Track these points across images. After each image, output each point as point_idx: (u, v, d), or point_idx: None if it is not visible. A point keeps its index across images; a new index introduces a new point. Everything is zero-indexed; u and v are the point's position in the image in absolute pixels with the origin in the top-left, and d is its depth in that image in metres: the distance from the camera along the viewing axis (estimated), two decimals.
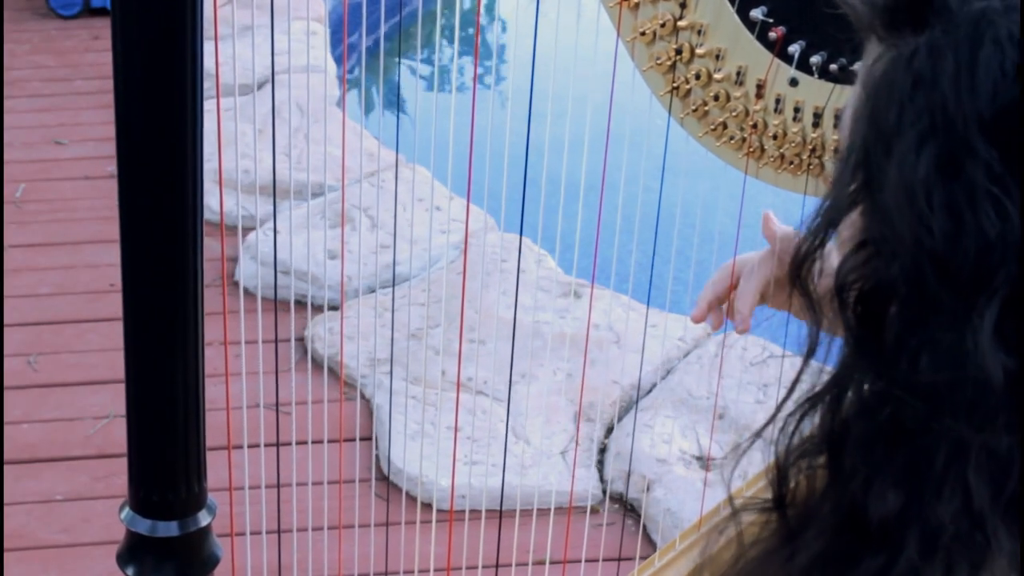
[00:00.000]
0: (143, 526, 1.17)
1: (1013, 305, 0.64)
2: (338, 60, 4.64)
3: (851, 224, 0.70)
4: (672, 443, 2.94)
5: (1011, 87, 0.63)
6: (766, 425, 0.75)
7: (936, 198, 0.64)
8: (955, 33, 0.65)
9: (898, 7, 0.68)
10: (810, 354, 0.73)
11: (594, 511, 2.74)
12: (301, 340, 3.24)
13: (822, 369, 0.72)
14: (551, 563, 2.38)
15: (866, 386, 0.69)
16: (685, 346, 3.28)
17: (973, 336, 0.64)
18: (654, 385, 3.15)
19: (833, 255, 0.72)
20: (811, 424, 0.72)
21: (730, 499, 0.77)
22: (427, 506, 2.71)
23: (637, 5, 1.17)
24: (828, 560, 0.70)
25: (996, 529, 0.66)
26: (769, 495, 0.75)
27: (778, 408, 0.74)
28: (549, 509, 2.61)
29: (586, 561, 2.32)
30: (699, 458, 2.93)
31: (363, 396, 3.09)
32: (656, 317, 3.03)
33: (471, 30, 3.83)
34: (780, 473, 0.73)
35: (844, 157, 0.70)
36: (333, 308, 3.35)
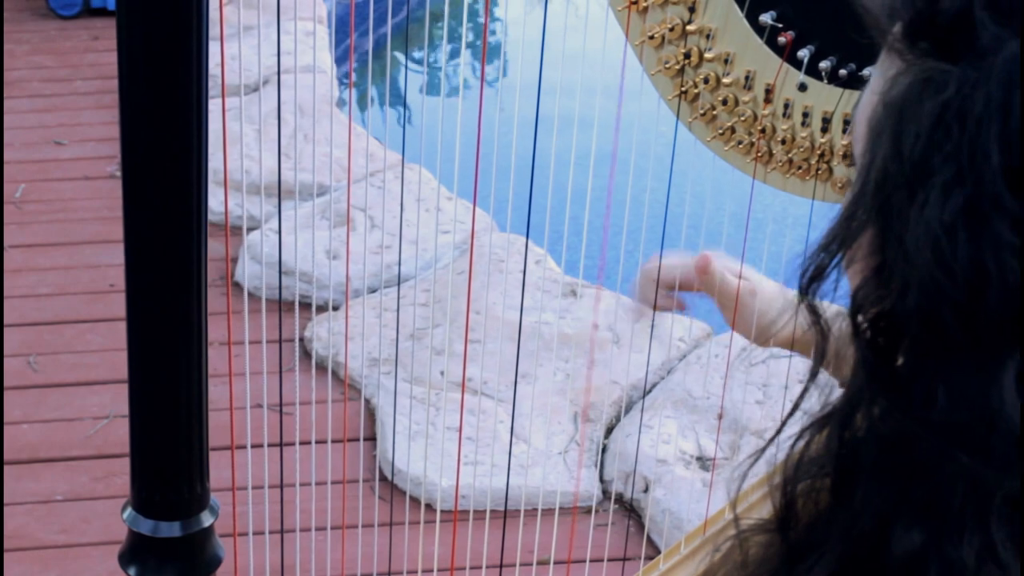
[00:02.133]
0: (145, 526, 1.17)
1: None
2: (338, 60, 4.64)
3: (865, 243, 0.68)
4: (672, 443, 2.94)
5: None
6: (769, 443, 0.75)
7: (960, 247, 0.63)
8: (987, 72, 0.63)
9: (924, 28, 0.66)
10: (814, 374, 0.72)
11: (593, 511, 2.75)
12: (301, 341, 3.24)
13: (826, 388, 0.72)
14: (544, 563, 2.38)
15: (876, 411, 0.68)
16: (685, 346, 3.29)
17: (997, 387, 0.63)
18: (654, 385, 3.15)
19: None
20: (816, 445, 0.71)
21: (736, 520, 0.76)
22: (427, 506, 2.71)
23: (646, 9, 1.17)
24: None
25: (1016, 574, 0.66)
26: (767, 511, 0.74)
27: (781, 426, 0.73)
28: (549, 510, 2.61)
29: (586, 561, 2.33)
30: (699, 458, 2.93)
31: (363, 396, 3.09)
32: (656, 317, 3.03)
33: (472, 28, 3.83)
34: (784, 495, 0.72)
35: (862, 172, 0.68)
36: (333, 308, 3.35)
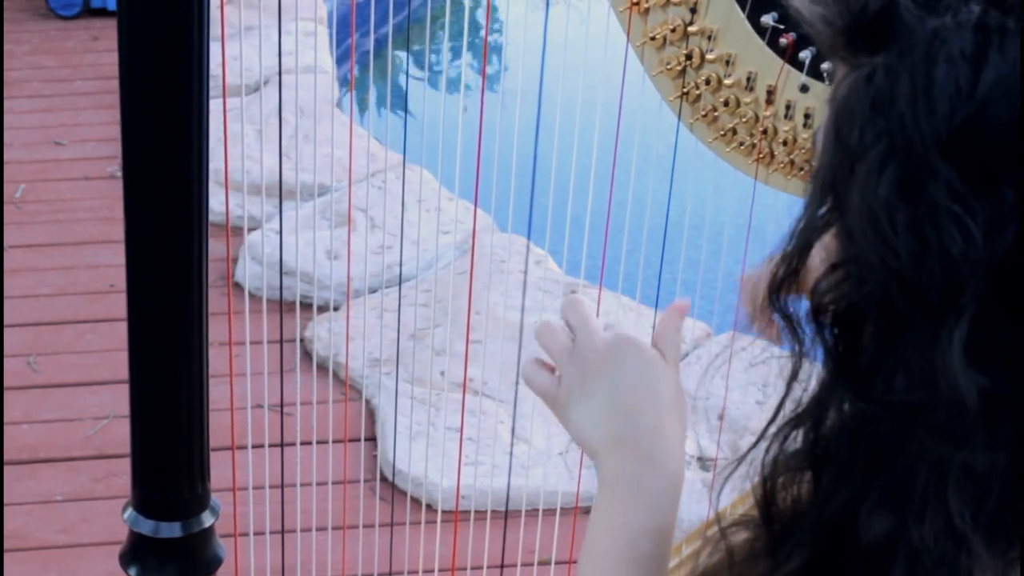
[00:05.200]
0: (146, 527, 1.17)
1: (982, 323, 0.64)
2: (338, 61, 4.64)
3: (824, 247, 0.70)
4: None
5: (967, 105, 0.63)
6: (754, 446, 0.75)
7: (899, 219, 0.64)
8: (910, 53, 0.65)
9: (856, 29, 0.69)
10: (794, 376, 0.72)
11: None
12: (301, 341, 3.24)
13: (807, 387, 0.72)
14: (545, 563, 2.38)
15: (846, 406, 0.69)
16: (685, 347, 3.28)
17: (943, 356, 0.64)
18: None
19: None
20: (793, 441, 0.72)
21: (718, 518, 0.77)
22: (427, 507, 2.71)
23: (647, 10, 1.17)
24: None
25: (977, 549, 0.66)
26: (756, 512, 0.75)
27: (765, 428, 0.74)
28: (550, 510, 2.61)
29: None
30: (699, 458, 2.93)
31: (364, 397, 3.09)
32: (656, 318, 3.03)
33: (473, 28, 3.83)
34: (766, 490, 0.74)
35: (814, 179, 0.71)
36: (334, 308, 3.35)
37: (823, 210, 0.69)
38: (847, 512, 0.68)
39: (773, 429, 0.73)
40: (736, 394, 3.07)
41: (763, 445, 0.74)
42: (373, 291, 3.44)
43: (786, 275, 0.71)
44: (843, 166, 0.67)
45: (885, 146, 0.65)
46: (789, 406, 0.72)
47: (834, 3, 0.70)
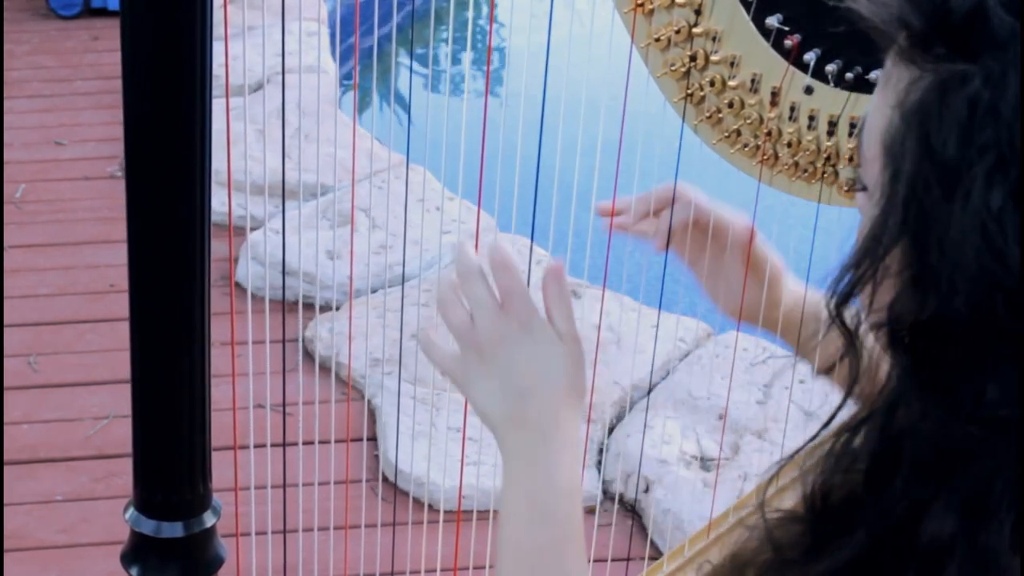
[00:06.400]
0: (148, 527, 1.17)
1: None
2: (339, 60, 4.63)
3: (895, 259, 0.69)
4: (672, 443, 2.94)
5: None
6: (807, 444, 0.76)
7: (1010, 230, 0.64)
8: (1012, 62, 0.64)
9: (938, 32, 0.67)
10: (852, 385, 0.73)
11: (596, 512, 2.74)
12: (302, 340, 3.24)
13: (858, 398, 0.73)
14: None
15: (917, 411, 0.69)
16: (685, 346, 3.28)
17: None
18: (654, 385, 3.15)
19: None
20: (850, 442, 0.73)
21: (762, 507, 0.77)
22: (428, 507, 2.71)
23: (652, 11, 1.16)
24: (856, 570, 0.70)
25: None
26: (791, 505, 0.75)
27: (824, 427, 0.75)
28: None
29: (589, 561, 2.32)
30: (699, 458, 2.93)
31: (364, 397, 3.09)
32: (656, 317, 3.03)
33: (474, 30, 3.83)
34: (822, 485, 0.74)
35: (887, 187, 0.68)
36: (334, 308, 3.35)
37: (899, 220, 0.67)
38: (911, 511, 0.68)
39: (832, 427, 0.74)
40: (736, 394, 3.07)
41: (822, 443, 0.75)
42: (374, 291, 3.44)
43: (853, 286, 0.70)
44: (936, 177, 0.65)
45: (993, 157, 0.64)
46: (844, 413, 0.73)
47: (908, 4, 0.68)
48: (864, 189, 0.74)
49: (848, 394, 0.74)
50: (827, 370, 1.20)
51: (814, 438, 0.76)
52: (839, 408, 0.74)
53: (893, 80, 0.70)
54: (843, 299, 0.71)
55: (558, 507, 0.95)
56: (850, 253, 0.71)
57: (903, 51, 0.69)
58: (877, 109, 0.71)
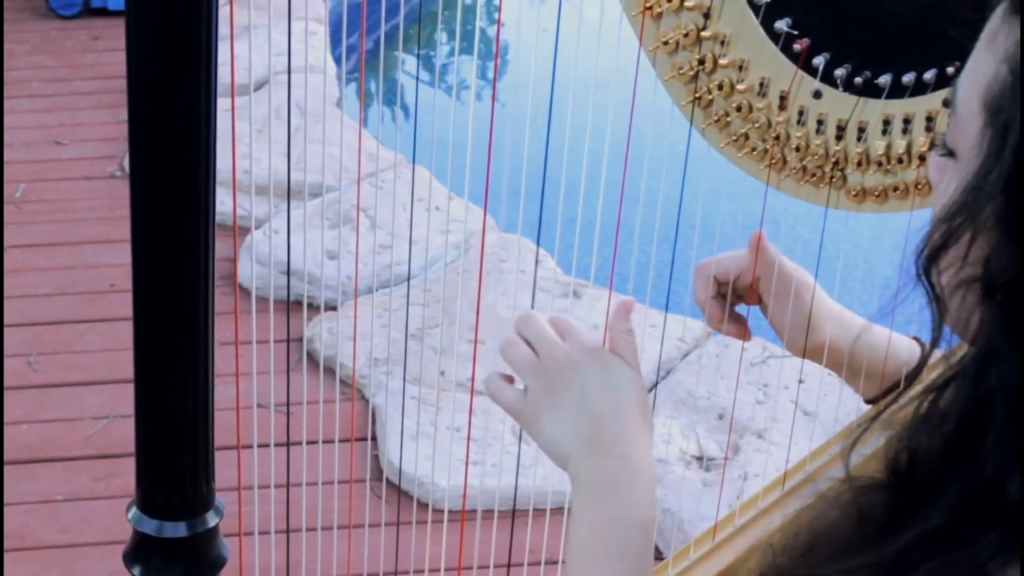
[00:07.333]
0: (150, 526, 1.17)
1: None
2: (337, 60, 4.63)
3: (988, 212, 0.68)
4: (672, 443, 2.94)
5: None
6: (887, 407, 0.76)
7: None
8: None
9: None
10: (934, 345, 0.72)
11: None
12: (303, 341, 3.25)
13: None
14: (550, 563, 2.38)
15: (1007, 369, 0.68)
16: (685, 346, 3.29)
17: None
18: (654, 385, 3.15)
19: None
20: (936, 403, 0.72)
21: (848, 473, 0.76)
22: (430, 506, 2.71)
23: (660, 15, 1.16)
24: (939, 536, 0.70)
25: None
26: (870, 473, 0.74)
27: (901, 391, 0.73)
28: (556, 509, 2.61)
29: None
30: (699, 458, 2.93)
31: (363, 396, 3.09)
32: (656, 317, 3.03)
33: (472, 28, 3.83)
34: (908, 448, 0.73)
35: (993, 142, 0.68)
36: (334, 308, 3.35)
37: (1006, 173, 0.67)
38: (999, 472, 0.68)
39: (918, 389, 0.73)
40: (736, 394, 3.08)
41: (903, 404, 0.74)
42: (373, 291, 3.44)
43: (947, 239, 0.70)
44: None
45: None
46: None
47: None
48: (951, 154, 0.73)
49: (932, 349, 0.73)
50: (872, 400, 1.20)
51: (896, 399, 0.75)
52: (919, 366, 0.72)
53: (1002, 36, 0.70)
54: (935, 251, 0.70)
55: (633, 541, 0.92)
56: (943, 207, 0.70)
57: (1014, 4, 0.69)
58: (978, 67, 0.71)
